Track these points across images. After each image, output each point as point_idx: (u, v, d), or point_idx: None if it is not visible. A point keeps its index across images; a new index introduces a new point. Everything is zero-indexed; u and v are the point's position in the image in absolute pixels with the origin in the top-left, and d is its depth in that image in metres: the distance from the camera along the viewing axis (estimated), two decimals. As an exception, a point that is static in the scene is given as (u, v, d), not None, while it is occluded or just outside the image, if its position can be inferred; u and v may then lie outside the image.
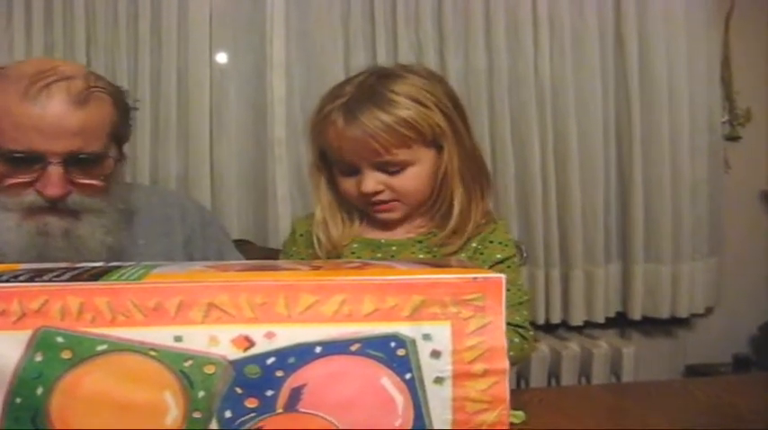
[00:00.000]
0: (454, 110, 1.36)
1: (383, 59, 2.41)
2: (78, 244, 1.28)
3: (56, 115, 1.22)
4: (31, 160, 1.23)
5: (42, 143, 1.21)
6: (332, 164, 1.38)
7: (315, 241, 1.40)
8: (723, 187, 2.73)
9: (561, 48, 2.49)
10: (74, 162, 1.25)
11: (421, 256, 1.37)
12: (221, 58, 2.44)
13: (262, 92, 2.41)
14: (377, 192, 1.33)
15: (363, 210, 1.40)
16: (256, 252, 2.01)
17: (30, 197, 1.24)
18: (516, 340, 1.34)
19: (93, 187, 1.30)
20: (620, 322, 2.71)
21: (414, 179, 1.34)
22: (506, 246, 1.42)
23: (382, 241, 1.41)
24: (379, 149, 1.29)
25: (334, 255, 1.40)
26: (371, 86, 1.32)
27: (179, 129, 2.35)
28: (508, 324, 1.30)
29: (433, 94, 1.34)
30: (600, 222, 2.57)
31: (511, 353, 1.31)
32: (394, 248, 1.40)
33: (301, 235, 1.48)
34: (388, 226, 1.42)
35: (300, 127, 2.39)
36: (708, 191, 2.66)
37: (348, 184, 1.36)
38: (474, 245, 1.40)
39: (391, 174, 1.33)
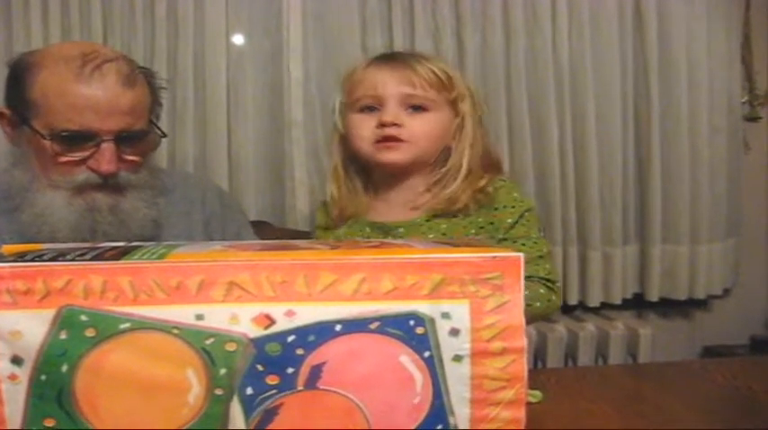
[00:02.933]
0: (471, 93, 1.49)
1: (400, 42, 2.39)
2: (125, 218, 1.35)
3: (110, 94, 1.27)
4: (85, 138, 1.28)
5: (96, 121, 1.27)
6: (350, 109, 1.46)
7: (329, 198, 1.50)
8: (742, 168, 2.70)
9: (580, 28, 2.47)
10: (123, 139, 1.31)
11: (431, 236, 1.40)
12: (238, 40, 2.43)
13: (279, 74, 2.40)
14: (395, 125, 1.39)
15: (369, 158, 1.44)
16: (273, 233, 2.02)
17: (82, 175, 1.30)
18: (542, 290, 1.38)
19: (137, 163, 1.36)
20: (637, 303, 2.70)
21: (430, 124, 1.42)
22: (513, 206, 1.44)
23: (390, 224, 1.45)
24: (415, 82, 1.39)
25: (345, 215, 1.49)
26: (405, 55, 1.48)
27: (196, 111, 2.35)
28: (530, 277, 1.34)
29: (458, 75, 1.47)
30: (618, 203, 2.55)
31: (537, 304, 1.35)
32: (402, 230, 1.44)
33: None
34: (386, 208, 1.47)
35: (317, 109, 2.40)
36: (726, 171, 2.63)
37: (366, 123, 1.42)
38: (480, 219, 1.43)
39: (412, 112, 1.40)
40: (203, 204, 1.58)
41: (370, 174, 1.50)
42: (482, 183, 1.43)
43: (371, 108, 1.42)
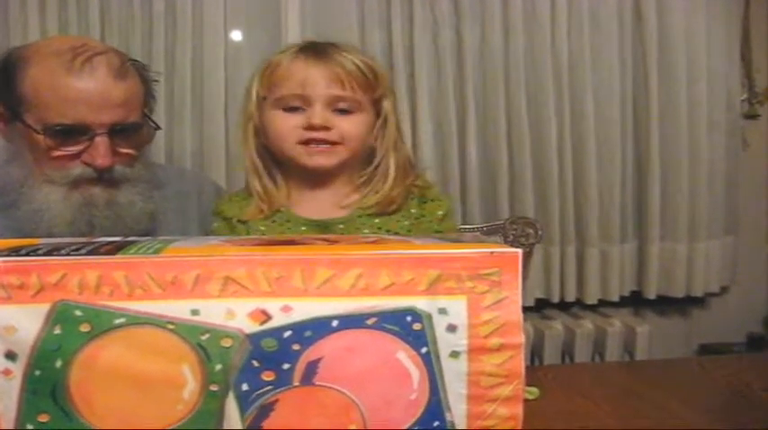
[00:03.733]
0: (393, 92, 1.43)
1: (399, 37, 2.40)
2: (122, 212, 1.34)
3: (102, 87, 1.27)
4: (78, 132, 1.27)
5: (89, 115, 1.26)
6: (269, 104, 1.36)
7: (255, 193, 1.39)
8: (740, 165, 2.71)
9: (579, 25, 2.47)
10: (116, 132, 1.30)
11: (366, 231, 1.37)
12: (236, 36, 2.43)
13: (276, 70, 2.40)
14: (324, 128, 1.32)
15: (292, 157, 1.36)
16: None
17: (77, 169, 1.30)
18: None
19: (132, 157, 1.35)
20: (634, 301, 2.71)
21: (358, 125, 1.35)
22: (442, 200, 1.44)
23: (327, 220, 1.39)
24: (344, 81, 1.31)
25: (270, 207, 1.38)
26: (327, 43, 1.37)
27: (194, 107, 2.36)
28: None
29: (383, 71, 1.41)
30: (616, 200, 2.56)
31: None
32: (341, 227, 1.38)
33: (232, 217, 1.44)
34: (314, 203, 1.40)
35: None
36: (725, 169, 2.64)
37: (289, 122, 1.34)
38: (413, 211, 1.41)
39: (341, 113, 1.33)
40: (200, 200, 1.57)
41: (287, 168, 1.41)
42: (410, 180, 1.41)
43: (296, 107, 1.34)
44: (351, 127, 1.34)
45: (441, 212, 1.41)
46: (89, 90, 1.26)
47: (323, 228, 1.38)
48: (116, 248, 0.70)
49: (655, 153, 2.55)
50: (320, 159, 1.35)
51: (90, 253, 0.68)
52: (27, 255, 0.67)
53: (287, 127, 1.34)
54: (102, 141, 1.28)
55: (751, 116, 2.74)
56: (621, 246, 2.61)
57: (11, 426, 0.66)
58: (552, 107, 2.47)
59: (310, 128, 1.32)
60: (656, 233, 2.59)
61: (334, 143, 1.34)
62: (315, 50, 1.35)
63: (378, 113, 1.39)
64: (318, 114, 1.31)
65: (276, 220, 1.38)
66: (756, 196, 2.79)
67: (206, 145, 2.36)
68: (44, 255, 0.67)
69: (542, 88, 2.47)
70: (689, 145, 2.56)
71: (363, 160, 1.41)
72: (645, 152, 2.58)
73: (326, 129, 1.32)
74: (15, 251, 0.69)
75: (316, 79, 1.31)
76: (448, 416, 0.68)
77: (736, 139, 2.69)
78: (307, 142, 1.33)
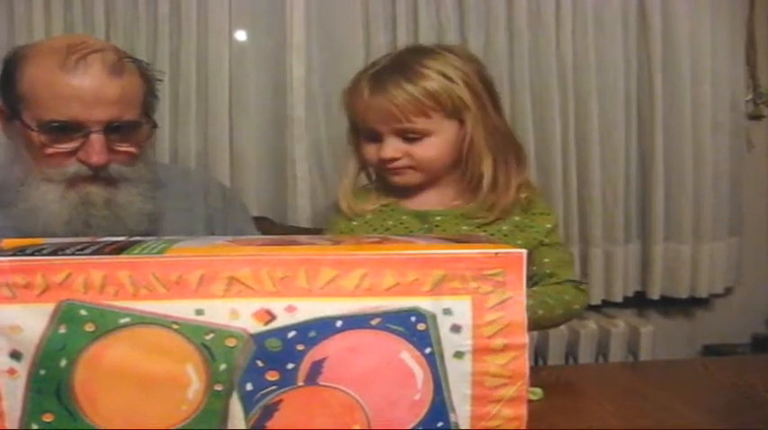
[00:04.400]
0: (482, 88, 1.43)
1: (403, 40, 2.38)
2: (120, 212, 1.34)
3: (95, 84, 1.26)
4: (73, 129, 1.27)
5: (83, 112, 1.26)
6: (358, 132, 1.46)
7: (344, 208, 1.49)
8: (745, 166, 2.69)
9: (583, 26, 2.46)
10: (113, 130, 1.30)
11: (464, 229, 1.42)
12: (240, 37, 2.42)
13: (281, 71, 2.39)
14: (394, 159, 1.40)
15: (383, 177, 1.47)
16: (275, 229, 2.02)
17: (73, 167, 1.29)
18: (581, 295, 1.46)
19: (130, 155, 1.35)
20: (638, 302, 2.70)
21: (432, 148, 1.40)
22: (549, 214, 1.50)
23: (427, 211, 1.46)
24: (398, 116, 1.36)
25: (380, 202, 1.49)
26: (403, 59, 1.41)
27: (198, 108, 2.35)
28: (570, 280, 1.43)
29: (461, 70, 1.40)
30: (620, 201, 2.55)
31: (576, 307, 1.42)
32: (438, 218, 1.45)
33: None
34: (420, 196, 1.48)
35: (320, 107, 2.39)
36: (729, 170, 2.62)
37: (371, 150, 1.43)
38: (516, 218, 1.45)
39: (410, 141, 1.39)
40: (205, 200, 1.57)
41: None
42: (514, 190, 1.44)
43: (374, 136, 1.42)
44: (422, 152, 1.40)
45: (549, 226, 1.47)
46: (83, 87, 1.26)
47: (422, 218, 1.46)
48: (121, 248, 0.70)
49: (659, 154, 2.54)
50: (401, 179, 1.45)
51: (95, 253, 0.68)
52: (32, 254, 0.67)
53: (369, 155, 1.44)
54: (97, 139, 1.27)
55: (755, 117, 2.73)
56: (625, 247, 2.60)
57: (15, 426, 0.66)
58: (557, 108, 2.47)
59: (382, 160, 1.41)
60: (660, 234, 2.58)
61: (410, 167, 1.42)
62: (373, 82, 1.39)
63: (461, 124, 1.41)
64: (386, 148, 1.40)
65: (382, 211, 1.48)
66: (761, 197, 2.78)
67: (210, 146, 2.36)
68: (49, 254, 0.67)
69: (547, 90, 2.47)
70: (693, 146, 2.55)
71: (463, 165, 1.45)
72: (649, 153, 2.57)
73: (396, 159, 1.40)
74: (20, 251, 0.69)
75: (376, 116, 1.39)
76: (452, 417, 0.68)
77: (741, 140, 2.67)
78: (386, 168, 1.43)
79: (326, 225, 1.59)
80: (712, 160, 2.57)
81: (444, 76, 1.38)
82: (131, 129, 1.34)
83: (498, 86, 2.38)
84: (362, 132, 1.44)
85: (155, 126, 1.42)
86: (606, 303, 2.62)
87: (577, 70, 2.49)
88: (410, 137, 1.39)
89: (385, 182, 1.49)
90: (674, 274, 2.61)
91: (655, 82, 2.51)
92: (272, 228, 2.02)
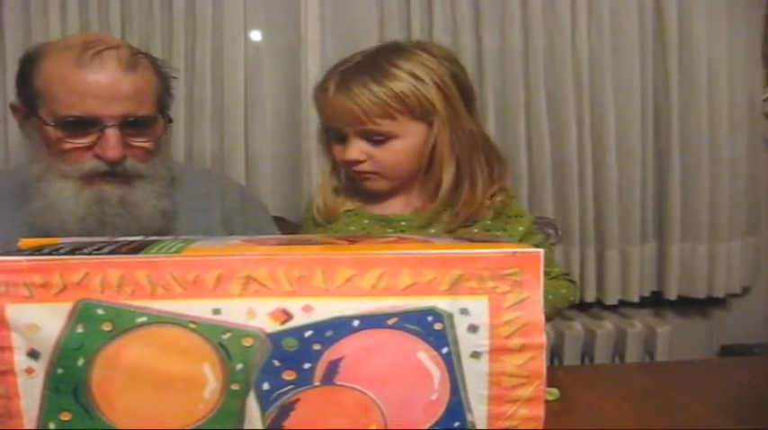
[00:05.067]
0: (456, 89, 1.36)
1: (417, 37, 2.39)
2: (134, 210, 1.34)
3: (111, 80, 1.28)
4: (88, 124, 1.28)
5: (99, 107, 1.27)
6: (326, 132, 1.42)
7: (314, 207, 1.46)
8: (762, 165, 2.67)
9: (599, 25, 2.46)
10: (128, 125, 1.31)
11: (432, 231, 1.39)
12: (256, 36, 2.43)
13: (296, 70, 2.40)
14: (358, 161, 1.35)
15: (357, 182, 1.43)
16: (290, 229, 2.02)
17: (89, 163, 1.31)
18: (568, 284, 1.45)
19: (145, 150, 1.36)
20: (655, 301, 2.69)
21: (397, 152, 1.35)
22: (522, 216, 1.45)
23: (390, 216, 1.42)
24: (361, 117, 1.31)
25: (330, 220, 1.44)
26: (374, 57, 1.36)
27: (214, 108, 2.36)
28: (555, 276, 1.40)
29: (434, 71, 1.34)
30: (636, 201, 2.54)
31: (571, 298, 1.41)
32: (403, 224, 1.41)
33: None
34: (386, 201, 1.44)
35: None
36: (747, 169, 2.61)
37: (337, 151, 1.39)
38: (488, 222, 1.41)
39: (375, 143, 1.34)
40: (223, 201, 1.57)
41: None
42: (487, 195, 1.41)
43: (341, 137, 1.37)
44: (387, 155, 1.35)
45: (522, 228, 1.43)
46: (98, 82, 1.27)
47: (386, 223, 1.41)
48: (138, 248, 0.70)
49: (675, 153, 2.53)
50: (372, 185, 1.40)
51: (112, 252, 0.68)
52: (49, 254, 0.67)
53: (336, 155, 1.40)
54: (112, 133, 1.28)
55: (773, 116, 2.72)
56: (642, 247, 2.59)
57: (33, 424, 0.67)
58: (572, 107, 2.46)
59: (346, 162, 1.37)
60: (677, 233, 2.57)
61: (374, 172, 1.37)
62: (339, 80, 1.34)
63: (430, 126, 1.36)
64: (351, 149, 1.35)
65: (347, 215, 1.45)
66: (779, 197, 2.77)
67: (226, 146, 2.36)
68: (66, 254, 0.67)
69: (562, 89, 2.46)
70: (710, 144, 2.54)
71: (424, 170, 1.41)
72: (665, 152, 2.56)
73: (360, 161, 1.35)
74: (38, 250, 0.69)
75: (340, 115, 1.34)
76: (469, 417, 0.68)
77: (758, 139, 2.66)
78: (354, 171, 1.38)
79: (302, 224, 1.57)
80: (729, 159, 2.56)
81: (414, 76, 1.32)
82: (146, 124, 1.35)
83: (513, 85, 2.42)
84: (329, 132, 1.40)
85: (170, 121, 1.44)
86: (623, 303, 2.61)
87: (593, 69, 2.48)
88: (375, 139, 1.33)
89: (354, 184, 1.45)
90: (691, 274, 2.60)
91: (671, 81, 2.51)
92: (288, 227, 2.02)
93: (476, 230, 1.39)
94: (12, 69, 2.14)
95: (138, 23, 2.33)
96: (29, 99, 1.33)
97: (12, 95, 2.00)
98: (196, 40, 2.33)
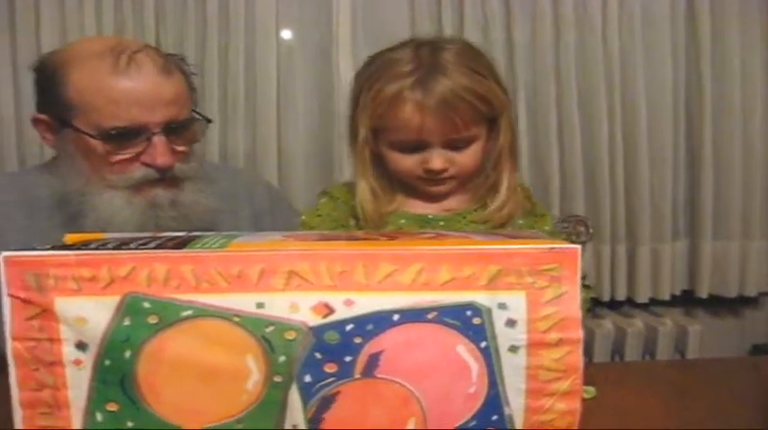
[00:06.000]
0: (502, 82, 1.35)
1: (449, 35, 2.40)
2: (186, 211, 1.33)
3: (151, 85, 1.25)
4: (134, 133, 1.26)
5: (142, 114, 1.25)
6: (385, 141, 1.33)
7: (360, 212, 1.37)
8: (796, 163, 2.66)
9: (630, 21, 2.45)
10: (172, 130, 1.29)
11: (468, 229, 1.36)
12: (288, 36, 2.45)
13: (328, 69, 2.42)
14: (444, 170, 1.31)
15: (410, 184, 1.37)
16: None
17: (139, 172, 1.28)
18: (583, 294, 1.37)
19: (187, 153, 1.34)
20: (686, 300, 2.68)
21: (474, 155, 1.32)
22: (546, 216, 1.45)
23: (429, 216, 1.39)
24: (459, 125, 1.26)
25: (378, 226, 1.37)
26: (434, 61, 1.28)
27: (247, 107, 2.38)
28: None
29: (489, 67, 1.32)
30: (668, 198, 2.53)
31: (586, 306, 1.34)
32: (441, 223, 1.38)
33: (344, 201, 1.43)
34: (430, 200, 1.40)
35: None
36: (780, 166, 2.60)
37: (408, 162, 1.32)
38: (520, 221, 1.39)
39: (457, 150, 1.31)
40: (251, 201, 1.57)
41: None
42: (520, 197, 1.39)
43: (415, 147, 1.31)
44: (467, 160, 1.32)
45: (547, 228, 1.42)
46: (138, 89, 1.25)
47: (425, 222, 1.38)
48: (182, 243, 0.71)
49: (708, 149, 2.52)
50: (442, 189, 1.36)
51: (158, 247, 0.70)
52: (97, 249, 0.69)
53: (405, 166, 1.33)
54: (159, 140, 1.27)
55: (807, 113, 2.70)
56: (673, 244, 2.58)
57: (80, 414, 0.69)
58: (604, 105, 2.46)
59: (429, 171, 1.31)
60: (709, 231, 2.56)
61: (452, 177, 1.34)
62: (425, 92, 1.25)
63: (491, 128, 1.34)
64: (437, 160, 1.29)
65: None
66: (812, 194, 2.74)
67: (259, 145, 2.39)
68: (113, 249, 0.69)
69: (593, 85, 2.46)
70: (743, 142, 2.53)
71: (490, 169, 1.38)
72: (698, 149, 2.55)
73: (445, 170, 1.31)
74: (85, 245, 0.71)
75: (431, 127, 1.26)
76: (506, 410, 0.69)
77: (792, 137, 2.64)
78: (426, 179, 1.33)
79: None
80: (762, 157, 2.55)
81: (482, 75, 1.28)
82: (187, 127, 1.34)
83: (544, 82, 2.42)
84: (398, 143, 1.31)
85: (209, 121, 1.41)
86: (653, 301, 2.61)
87: (625, 66, 2.47)
88: (459, 145, 1.30)
89: (391, 185, 1.39)
90: (723, 272, 2.59)
91: (704, 77, 2.49)
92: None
93: (510, 229, 1.37)
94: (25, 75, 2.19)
95: (172, 23, 2.36)
96: (58, 110, 1.29)
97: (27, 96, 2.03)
98: (229, 39, 2.36)
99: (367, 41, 2.42)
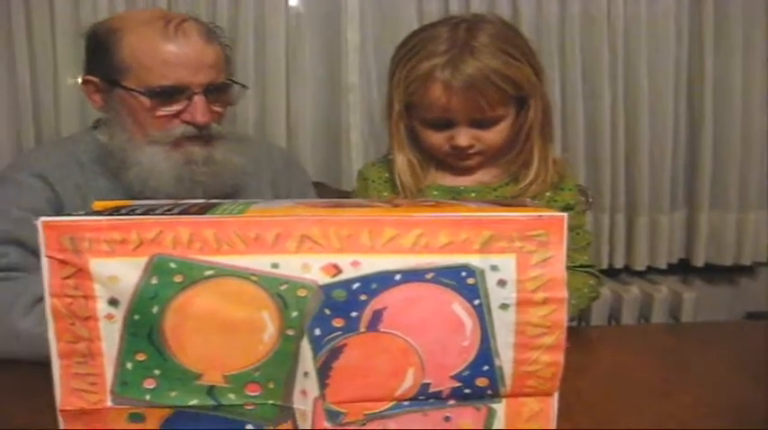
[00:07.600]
0: (537, 62, 1.37)
1: (455, 7, 2.43)
2: (218, 168, 1.44)
3: (196, 50, 1.37)
4: (178, 92, 1.37)
5: (187, 76, 1.37)
6: (416, 117, 1.39)
7: (399, 185, 1.42)
8: (794, 135, 2.69)
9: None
10: (211, 91, 1.40)
11: None
12: (296, 5, 2.47)
13: (336, 40, 2.45)
14: (470, 146, 1.36)
15: (441, 158, 1.43)
16: (330, 193, 2.07)
17: (179, 128, 1.40)
18: (592, 281, 1.42)
19: (220, 114, 1.45)
20: (683, 268, 2.72)
21: (502, 132, 1.37)
22: (575, 192, 1.46)
23: (461, 188, 1.44)
24: (485, 107, 1.31)
25: (416, 197, 1.42)
26: (468, 42, 1.31)
27: (256, 76, 2.42)
28: (582, 266, 1.38)
29: (523, 48, 1.35)
30: (667, 169, 2.56)
31: (593, 295, 1.39)
32: (473, 195, 1.42)
33: (374, 181, 1.50)
34: (463, 173, 1.44)
35: (374, 74, 2.44)
36: (778, 138, 2.62)
37: (436, 138, 1.38)
38: (548, 194, 1.43)
39: (484, 127, 1.35)
40: (269, 164, 1.65)
41: None
42: (551, 171, 1.42)
43: (443, 124, 1.36)
44: (494, 137, 1.36)
45: (571, 202, 1.44)
46: (186, 53, 1.36)
47: (455, 193, 1.42)
48: (204, 209, 0.76)
49: (708, 122, 2.54)
50: (470, 163, 1.41)
51: (181, 213, 0.75)
52: (127, 214, 0.74)
53: (434, 142, 1.38)
54: (200, 99, 1.38)
55: (807, 86, 2.71)
56: (671, 214, 2.62)
57: (112, 364, 0.73)
58: (606, 76, 2.48)
59: (455, 147, 1.36)
60: (706, 202, 2.60)
61: (478, 153, 1.38)
62: (454, 72, 1.29)
63: (521, 106, 1.37)
64: (462, 137, 1.34)
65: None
66: (809, 166, 2.77)
67: (268, 115, 2.42)
68: (142, 214, 0.74)
69: (597, 57, 2.48)
70: (742, 114, 2.55)
71: (520, 147, 1.41)
72: (698, 121, 2.58)
73: (471, 146, 1.36)
74: (116, 211, 0.76)
75: (458, 107, 1.31)
76: (496, 361, 0.74)
77: (790, 109, 2.67)
78: (453, 154, 1.38)
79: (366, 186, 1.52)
80: (760, 129, 2.57)
81: (512, 56, 1.31)
82: (224, 90, 1.45)
83: (548, 54, 2.44)
84: (428, 120, 1.36)
85: (244, 87, 1.52)
86: (651, 269, 2.64)
87: (628, 37, 2.50)
88: (485, 124, 1.34)
89: (426, 158, 1.44)
90: (719, 242, 2.63)
91: (705, 50, 2.52)
92: (328, 192, 2.07)
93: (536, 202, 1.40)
94: (62, 43, 2.23)
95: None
96: (109, 72, 1.40)
97: (64, 65, 2.08)
98: (239, 9, 2.38)
99: (374, 12, 2.45)
